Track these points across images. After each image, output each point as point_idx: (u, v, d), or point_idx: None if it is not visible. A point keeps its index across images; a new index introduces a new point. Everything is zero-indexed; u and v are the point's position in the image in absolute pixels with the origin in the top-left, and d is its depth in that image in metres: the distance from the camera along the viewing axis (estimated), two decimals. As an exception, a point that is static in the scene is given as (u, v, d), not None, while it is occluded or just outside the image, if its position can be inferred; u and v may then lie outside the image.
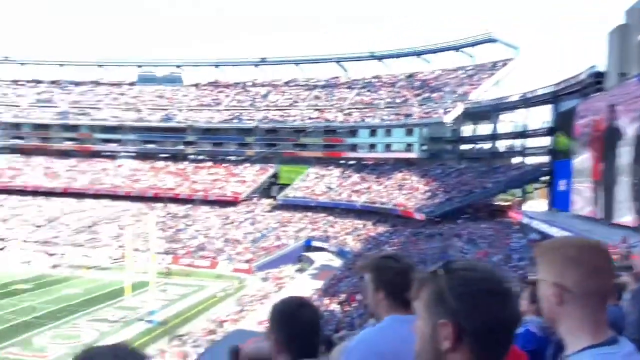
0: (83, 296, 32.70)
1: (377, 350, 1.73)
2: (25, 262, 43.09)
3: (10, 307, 30.05)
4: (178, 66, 70.26)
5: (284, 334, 1.84)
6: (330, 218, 49.09)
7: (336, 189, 52.33)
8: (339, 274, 33.49)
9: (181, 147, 63.22)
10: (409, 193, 46.47)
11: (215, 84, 69.21)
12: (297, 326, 1.84)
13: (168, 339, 25.38)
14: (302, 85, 65.37)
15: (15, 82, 72.40)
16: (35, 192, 58.30)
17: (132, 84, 70.67)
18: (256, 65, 67.15)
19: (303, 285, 33.53)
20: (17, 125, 66.05)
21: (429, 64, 60.84)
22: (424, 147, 53.42)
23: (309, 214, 50.75)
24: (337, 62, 64.85)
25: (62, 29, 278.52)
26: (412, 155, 53.06)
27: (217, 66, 69.06)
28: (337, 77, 65.39)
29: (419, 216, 41.21)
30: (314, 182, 54.79)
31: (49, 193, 58.12)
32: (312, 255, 43.34)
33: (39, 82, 72.25)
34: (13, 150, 65.79)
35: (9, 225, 52.53)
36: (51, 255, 44.47)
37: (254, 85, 67.65)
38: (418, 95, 56.61)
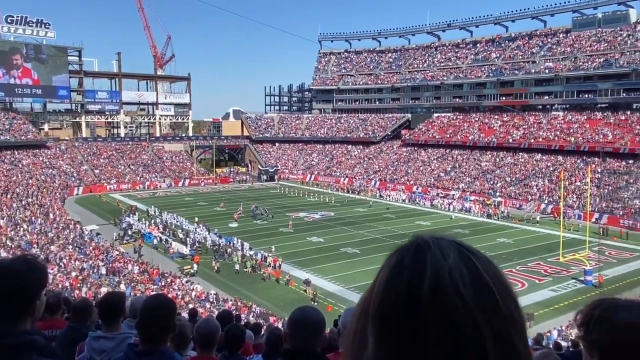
0: (515, 246, 34.01)
1: None
2: (465, 209, 47.84)
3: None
4: (620, 3, 62.16)
5: None
6: None
7: None
8: None
9: (622, 95, 56.49)
10: None
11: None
12: None
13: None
14: None
15: (456, 45, 79.64)
16: (473, 147, 63.38)
17: (567, 31, 67.00)
18: None
19: None
20: (458, 86, 72.80)
21: None
22: None
23: None
24: None
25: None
26: None
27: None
28: None
29: None
30: None
31: (484, 147, 62.17)
32: None
33: (476, 42, 77.16)
34: (454, 108, 73.35)
35: (451, 175, 59.11)
36: (486, 205, 47.79)
37: None
38: None
